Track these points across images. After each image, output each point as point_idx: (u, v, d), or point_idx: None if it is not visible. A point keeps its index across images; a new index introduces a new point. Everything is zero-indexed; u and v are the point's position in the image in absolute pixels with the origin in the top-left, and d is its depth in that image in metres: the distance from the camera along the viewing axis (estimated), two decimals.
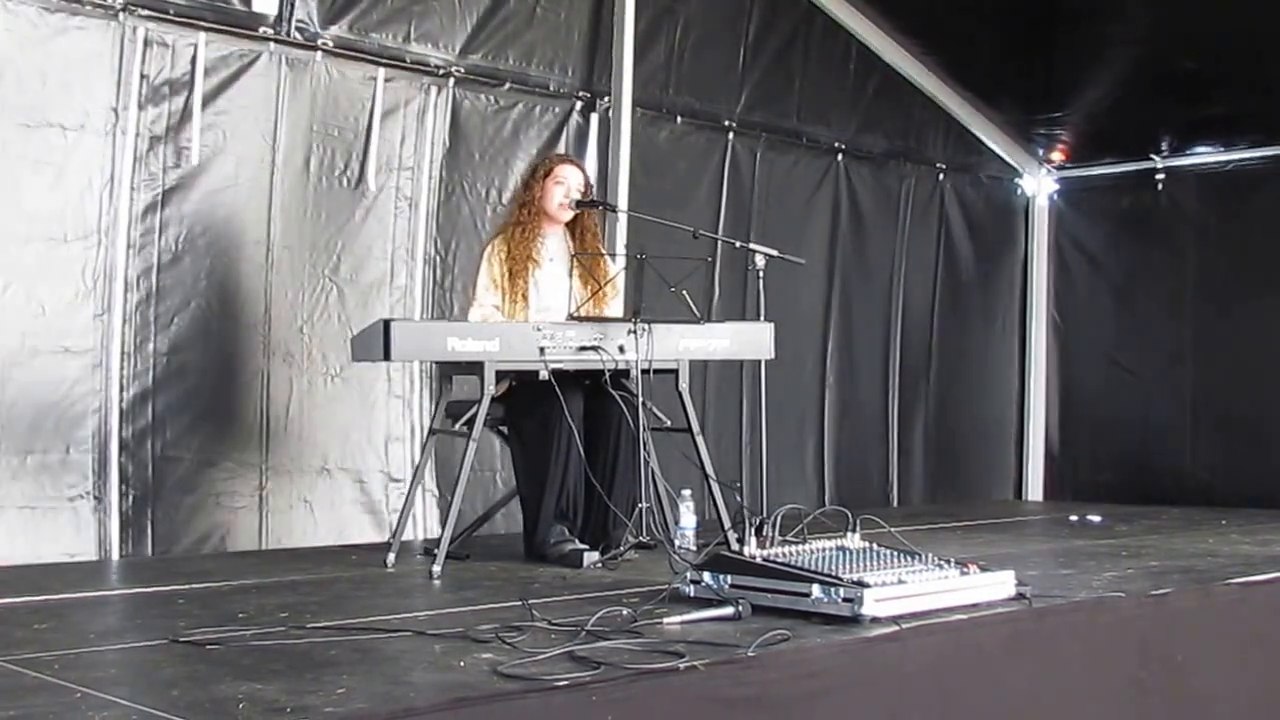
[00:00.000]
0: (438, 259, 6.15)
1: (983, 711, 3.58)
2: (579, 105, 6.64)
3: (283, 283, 5.69)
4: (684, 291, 5.04)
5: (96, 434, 5.19)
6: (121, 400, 5.25)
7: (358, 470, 5.88)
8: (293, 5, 5.63)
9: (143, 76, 5.27)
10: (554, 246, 5.31)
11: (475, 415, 4.79)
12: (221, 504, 5.51)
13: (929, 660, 3.46)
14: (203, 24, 5.40)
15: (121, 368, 5.25)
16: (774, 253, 5.36)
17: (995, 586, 3.85)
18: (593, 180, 5.74)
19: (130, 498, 5.25)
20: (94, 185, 5.19)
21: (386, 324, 4.63)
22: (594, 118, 6.69)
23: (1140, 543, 5.78)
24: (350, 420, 5.89)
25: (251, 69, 5.56)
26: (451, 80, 6.16)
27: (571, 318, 5.03)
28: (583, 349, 4.88)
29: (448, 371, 5.21)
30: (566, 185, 5.26)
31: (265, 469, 5.62)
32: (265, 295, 5.64)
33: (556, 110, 6.57)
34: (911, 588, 3.62)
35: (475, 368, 4.81)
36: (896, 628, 3.42)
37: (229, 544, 5.46)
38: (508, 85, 6.37)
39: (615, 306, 5.35)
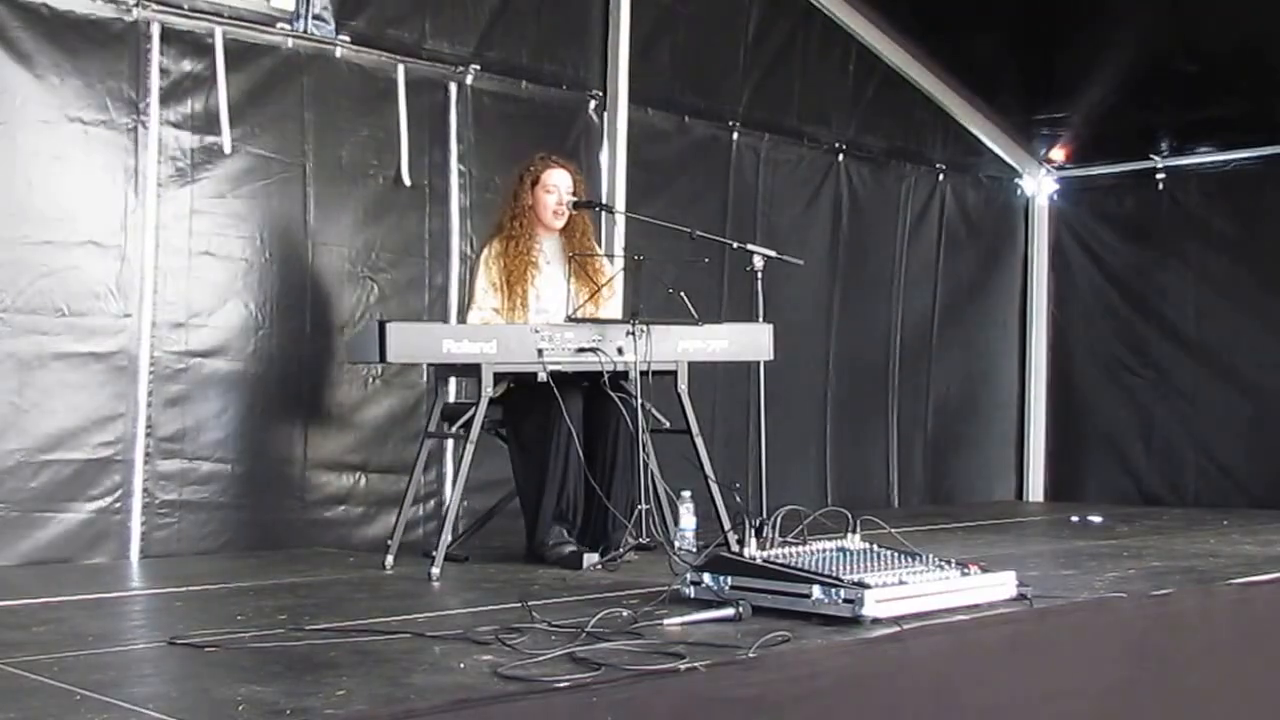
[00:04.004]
0: (472, 257, 6.11)
1: (984, 712, 3.58)
2: (591, 104, 6.65)
3: (320, 282, 5.68)
4: (682, 293, 5.03)
5: (123, 438, 5.15)
6: (149, 404, 5.21)
7: (398, 472, 5.85)
8: (308, 1, 5.63)
9: (162, 72, 5.26)
10: (550, 249, 5.30)
11: (473, 418, 4.78)
12: (261, 508, 5.49)
13: (930, 661, 3.45)
14: (219, 19, 5.40)
15: (150, 370, 5.22)
16: (771, 253, 5.35)
17: (996, 587, 3.84)
18: (585, 175, 5.73)
19: (157, 501, 5.23)
20: (117, 182, 5.16)
21: (382, 325, 4.63)
22: (606, 116, 6.70)
23: (1141, 543, 5.77)
24: (391, 422, 5.89)
25: (271, 65, 5.56)
26: (469, 77, 6.16)
27: (570, 319, 5.02)
28: (581, 350, 4.87)
29: (443, 374, 5.20)
30: (557, 192, 5.24)
31: (303, 471, 5.61)
32: (304, 295, 5.63)
33: (570, 107, 6.58)
34: (912, 588, 3.61)
35: (473, 370, 4.80)
36: (897, 629, 3.42)
37: (263, 549, 5.41)
38: (523, 82, 6.38)
39: (613, 307, 5.34)
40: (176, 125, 5.31)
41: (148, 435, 5.21)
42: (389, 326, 4.63)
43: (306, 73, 5.67)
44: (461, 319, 5.62)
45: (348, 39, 5.78)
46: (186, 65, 5.34)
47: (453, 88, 6.11)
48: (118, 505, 5.14)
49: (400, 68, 5.93)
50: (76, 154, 5.07)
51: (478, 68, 6.19)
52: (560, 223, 5.28)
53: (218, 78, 5.38)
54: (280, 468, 5.58)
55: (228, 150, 5.41)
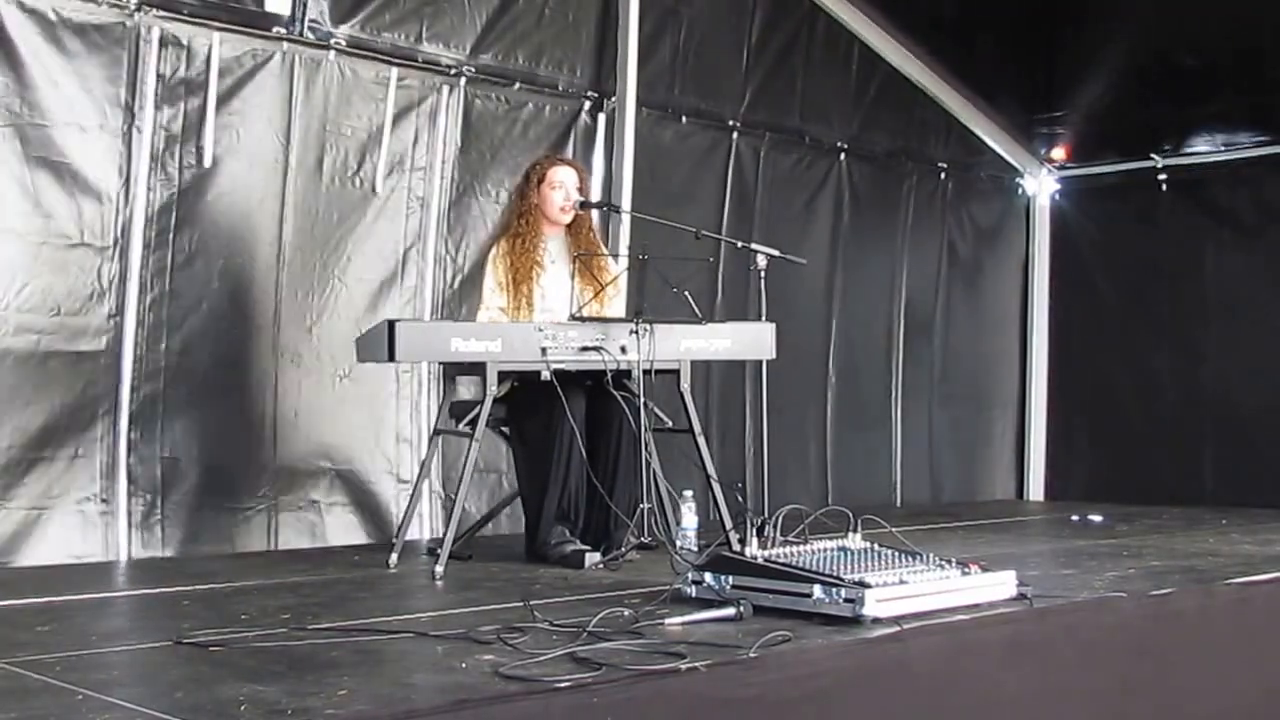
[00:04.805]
0: (448, 259, 6.16)
1: (984, 711, 3.58)
2: (587, 105, 6.66)
3: (293, 283, 5.69)
4: (686, 292, 5.04)
5: (107, 436, 5.19)
6: (132, 402, 5.24)
7: (366, 471, 5.88)
8: (305, 5, 5.65)
9: (158, 76, 5.28)
10: (555, 249, 5.31)
11: (478, 416, 4.79)
12: (230, 506, 5.50)
13: (930, 661, 3.46)
14: (216, 24, 5.42)
15: (134, 369, 5.25)
16: (775, 253, 5.35)
17: (996, 587, 3.85)
18: (590, 175, 5.72)
19: (139, 500, 5.25)
20: (109, 186, 5.19)
21: (391, 324, 4.64)
22: (601, 118, 6.70)
23: (1141, 543, 5.78)
24: (359, 421, 5.89)
25: (265, 69, 5.58)
26: (463, 80, 6.17)
27: (574, 318, 5.03)
28: (584, 349, 4.88)
29: (451, 372, 5.22)
30: (564, 189, 5.26)
31: (274, 470, 5.62)
32: (276, 296, 5.65)
33: (565, 110, 6.59)
34: (913, 588, 3.62)
35: (478, 368, 4.82)
36: (898, 628, 3.43)
37: (237, 546, 5.45)
38: (517, 85, 6.39)
39: (617, 306, 5.35)
40: (169, 129, 5.33)
41: (130, 433, 5.23)
42: (398, 326, 4.64)
43: (300, 77, 5.67)
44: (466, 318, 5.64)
45: (343, 43, 5.79)
46: (182, 70, 5.35)
47: (445, 90, 6.12)
48: (104, 504, 5.16)
49: (393, 71, 5.94)
50: (72, 157, 5.09)
51: (472, 70, 6.20)
52: (568, 219, 5.30)
53: (211, 82, 5.40)
54: (258, 466, 5.59)
55: (218, 155, 5.43)
